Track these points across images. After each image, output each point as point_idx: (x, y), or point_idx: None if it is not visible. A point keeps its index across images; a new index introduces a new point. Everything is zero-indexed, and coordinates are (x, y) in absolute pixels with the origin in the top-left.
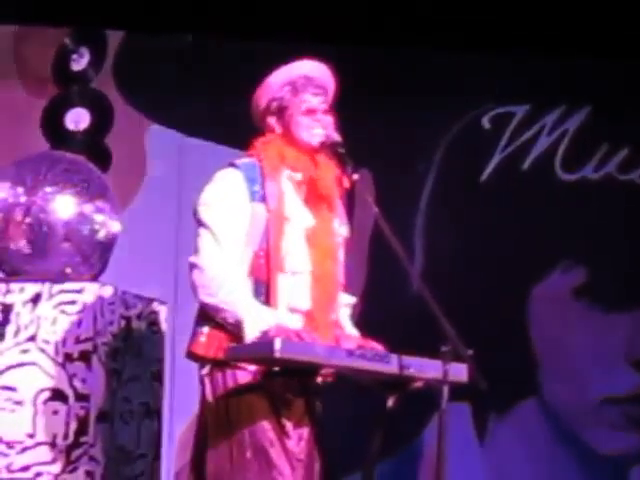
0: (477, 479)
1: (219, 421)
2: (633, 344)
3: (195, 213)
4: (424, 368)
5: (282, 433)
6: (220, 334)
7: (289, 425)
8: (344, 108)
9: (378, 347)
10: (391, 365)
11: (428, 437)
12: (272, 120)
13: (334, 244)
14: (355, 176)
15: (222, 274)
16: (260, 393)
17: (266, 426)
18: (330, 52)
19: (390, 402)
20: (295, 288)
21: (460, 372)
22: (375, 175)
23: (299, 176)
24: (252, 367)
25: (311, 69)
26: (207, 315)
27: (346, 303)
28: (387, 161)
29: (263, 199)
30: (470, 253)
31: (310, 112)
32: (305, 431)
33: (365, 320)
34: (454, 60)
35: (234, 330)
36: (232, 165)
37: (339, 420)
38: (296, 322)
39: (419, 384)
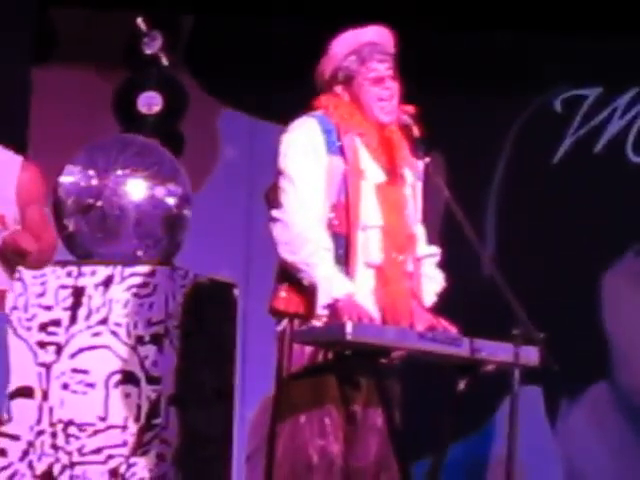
0: (548, 462)
1: (286, 401)
2: None
3: (277, 166)
4: (495, 351)
5: (346, 417)
6: (298, 291)
7: (357, 408)
8: (414, 91)
9: (450, 328)
10: (462, 348)
11: (500, 420)
12: (339, 89)
13: (403, 199)
14: (426, 159)
15: (305, 232)
16: (328, 373)
17: (330, 407)
18: (397, 36)
19: (461, 385)
20: (368, 243)
21: (531, 355)
22: (446, 158)
23: (369, 137)
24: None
25: (375, 35)
26: (287, 271)
27: (428, 254)
28: (458, 144)
29: (340, 152)
30: (542, 236)
31: (378, 80)
32: (376, 413)
33: (437, 303)
34: (525, 42)
35: (309, 291)
36: (307, 116)
37: (410, 402)
38: (370, 278)
39: (490, 367)
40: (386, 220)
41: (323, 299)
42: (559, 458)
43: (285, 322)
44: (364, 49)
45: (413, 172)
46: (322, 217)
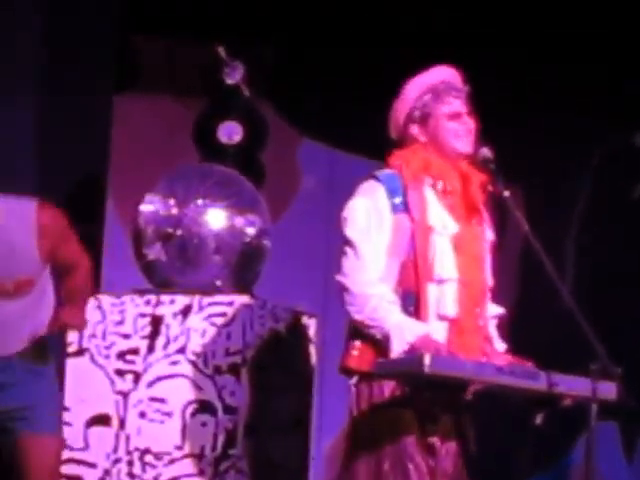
0: None
1: (363, 435)
2: None
3: (342, 231)
4: (573, 386)
5: (426, 449)
6: (372, 348)
7: (436, 440)
8: (492, 126)
9: (527, 365)
10: (540, 382)
11: (577, 455)
12: (415, 129)
13: (481, 250)
14: (506, 193)
15: (366, 289)
16: (406, 407)
17: (409, 441)
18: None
19: (538, 419)
20: (443, 296)
21: (609, 390)
22: (525, 191)
23: (442, 184)
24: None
25: (447, 74)
26: (358, 329)
27: (494, 314)
28: (538, 177)
29: (406, 209)
30: (621, 272)
31: (455, 116)
32: (453, 446)
33: (514, 337)
34: (604, 77)
35: (382, 344)
36: (373, 177)
37: (487, 436)
38: (442, 330)
39: (568, 402)
40: (463, 272)
41: (398, 346)
42: None
43: (356, 379)
44: (438, 86)
45: (487, 226)
46: (385, 277)
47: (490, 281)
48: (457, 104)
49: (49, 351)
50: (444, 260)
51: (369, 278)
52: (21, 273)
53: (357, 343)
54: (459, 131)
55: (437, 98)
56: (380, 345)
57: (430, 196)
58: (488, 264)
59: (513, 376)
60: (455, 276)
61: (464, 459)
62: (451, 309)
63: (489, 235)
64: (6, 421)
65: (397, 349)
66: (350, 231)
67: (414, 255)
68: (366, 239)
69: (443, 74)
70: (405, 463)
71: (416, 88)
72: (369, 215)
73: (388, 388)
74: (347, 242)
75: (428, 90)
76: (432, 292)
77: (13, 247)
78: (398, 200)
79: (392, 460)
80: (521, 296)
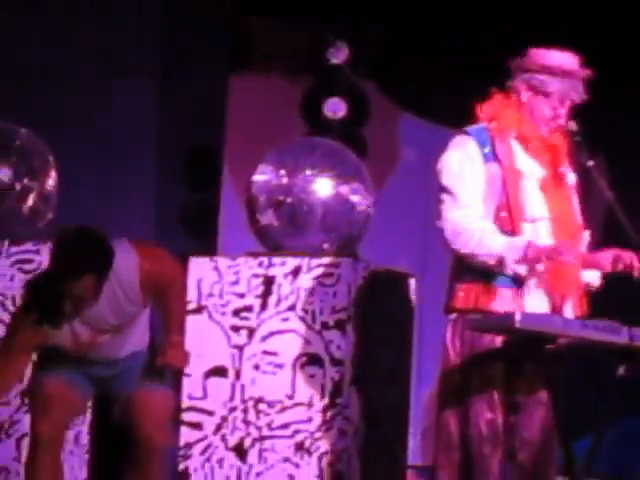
0: None
1: (453, 383)
2: None
3: (437, 181)
4: None
5: (509, 406)
6: (475, 286)
7: (521, 397)
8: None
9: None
10: (622, 336)
11: None
12: (524, 88)
13: (567, 189)
14: (590, 162)
15: (468, 226)
16: (496, 358)
17: (495, 397)
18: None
19: (621, 370)
20: (537, 233)
21: None
22: (608, 161)
23: (529, 136)
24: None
25: (576, 66)
26: (461, 271)
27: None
28: (620, 149)
29: (496, 159)
30: None
31: (561, 103)
32: (540, 393)
33: (600, 295)
34: None
35: (497, 268)
36: (464, 132)
37: (573, 386)
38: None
39: None
40: (553, 211)
41: (512, 256)
42: None
43: (455, 315)
44: (568, 83)
45: (569, 171)
46: (483, 215)
47: (579, 217)
48: (572, 96)
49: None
50: (534, 201)
51: (470, 216)
52: (127, 317)
53: (462, 285)
54: (555, 117)
55: (561, 83)
56: (484, 281)
57: (515, 145)
58: (575, 203)
59: (597, 330)
60: (546, 215)
61: (552, 404)
62: (547, 243)
63: (572, 178)
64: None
65: (510, 265)
66: (446, 179)
67: (506, 198)
68: (461, 184)
69: (574, 64)
70: (491, 397)
71: (555, 63)
72: (462, 164)
73: (477, 335)
74: (444, 189)
75: (561, 73)
76: (527, 231)
77: (120, 301)
78: (487, 150)
79: (477, 396)
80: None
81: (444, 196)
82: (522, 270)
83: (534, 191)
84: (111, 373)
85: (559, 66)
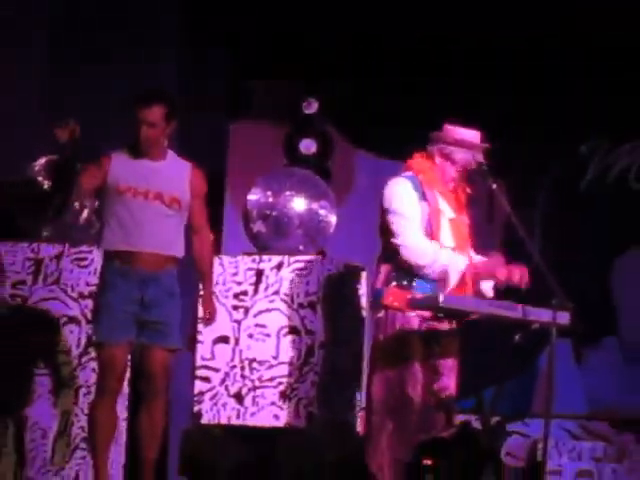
0: (575, 390)
1: (384, 354)
2: None
3: (385, 207)
4: (540, 315)
5: (429, 368)
6: (401, 291)
7: (438, 359)
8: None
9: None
10: (518, 312)
11: (542, 361)
12: (438, 155)
13: (465, 228)
14: (494, 185)
15: (422, 244)
16: (418, 335)
17: (414, 363)
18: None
19: (517, 337)
20: None
21: (564, 318)
22: (507, 184)
23: (442, 189)
24: (414, 313)
25: (480, 143)
26: (390, 278)
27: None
28: (515, 175)
29: (425, 200)
30: (574, 237)
31: (463, 168)
32: (452, 359)
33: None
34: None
35: (441, 277)
36: (401, 177)
37: (483, 348)
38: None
39: (536, 326)
40: (455, 240)
41: (454, 277)
42: (581, 385)
43: (383, 312)
44: (470, 154)
45: (467, 216)
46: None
47: (469, 245)
48: (471, 163)
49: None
50: (445, 233)
51: (422, 237)
52: (174, 193)
53: (392, 289)
54: (460, 178)
55: (464, 154)
56: (411, 289)
57: (436, 193)
58: (467, 237)
59: (499, 308)
60: (452, 243)
61: (459, 366)
62: None
63: (466, 220)
64: (145, 330)
65: (454, 278)
66: (396, 204)
67: (430, 229)
68: (410, 208)
69: (476, 139)
70: (407, 376)
71: (464, 138)
72: (410, 196)
73: (398, 321)
74: (394, 212)
75: (464, 145)
76: None
77: (172, 178)
78: (419, 192)
79: (399, 373)
80: (505, 255)
81: (395, 218)
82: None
83: (446, 226)
84: (152, 295)
85: (465, 140)
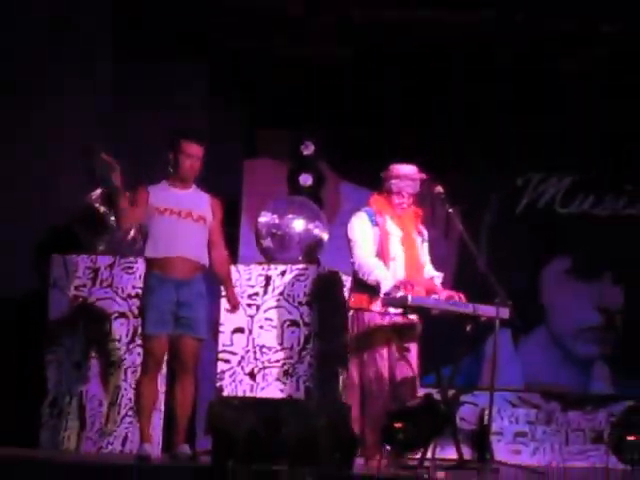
0: (514, 369)
1: (356, 345)
2: (595, 298)
3: (348, 235)
4: (486, 310)
5: (394, 353)
6: (363, 295)
7: (400, 345)
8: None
9: (462, 296)
10: (469, 308)
11: (488, 346)
12: (386, 189)
13: (414, 243)
14: (450, 210)
15: (370, 263)
16: (383, 328)
17: (382, 351)
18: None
19: (468, 328)
20: (396, 268)
21: (505, 313)
22: (460, 209)
23: (392, 214)
24: (379, 309)
25: (416, 174)
26: (355, 286)
27: (436, 276)
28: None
29: (377, 225)
30: (510, 251)
31: (403, 197)
32: (413, 346)
33: (455, 285)
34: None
35: (377, 288)
36: (361, 210)
37: (442, 336)
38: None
39: (483, 319)
40: (406, 255)
41: (385, 288)
42: (518, 365)
43: (352, 311)
44: (408, 184)
45: (421, 236)
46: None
47: (421, 260)
48: (409, 191)
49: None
50: (395, 249)
51: (369, 257)
52: (200, 212)
53: (355, 294)
54: (403, 204)
55: (404, 184)
56: (368, 293)
57: (387, 218)
58: (419, 251)
59: (454, 305)
60: (402, 257)
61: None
62: (400, 272)
63: (419, 238)
64: (179, 324)
65: (385, 290)
66: (351, 233)
67: (381, 247)
68: (362, 235)
69: (413, 172)
70: (378, 359)
71: (399, 172)
72: (363, 223)
73: (366, 317)
74: (350, 240)
75: (403, 178)
76: (392, 266)
77: (198, 202)
78: (372, 220)
79: (371, 357)
80: (459, 263)
81: (354, 245)
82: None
83: (396, 243)
84: (185, 297)
85: (405, 174)
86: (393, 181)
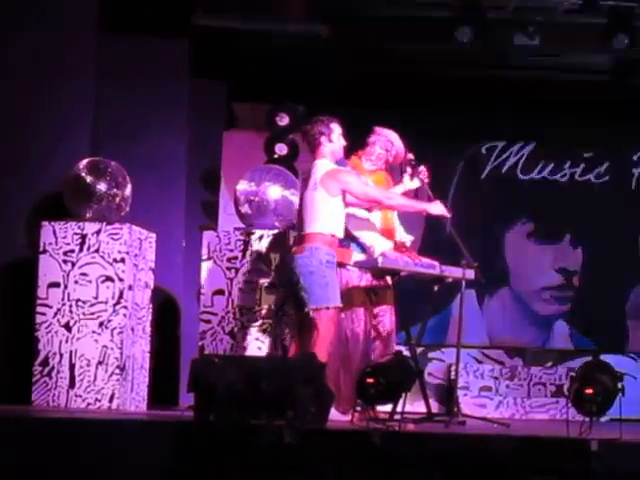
0: (479, 327)
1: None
2: (555, 260)
3: None
4: (453, 272)
5: (370, 313)
6: (347, 250)
7: (376, 305)
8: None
9: (431, 260)
10: (436, 270)
11: (454, 306)
12: (366, 148)
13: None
14: (421, 168)
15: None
16: (359, 289)
17: (358, 311)
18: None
19: (435, 288)
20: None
21: (471, 274)
22: (429, 169)
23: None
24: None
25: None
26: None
27: (408, 239)
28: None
29: None
30: (477, 213)
31: (380, 160)
32: (387, 306)
33: (423, 247)
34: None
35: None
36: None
37: (410, 296)
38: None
39: (450, 280)
40: (381, 216)
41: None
42: (483, 323)
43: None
44: (390, 150)
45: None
46: None
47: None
48: (387, 156)
49: None
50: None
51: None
52: None
53: (340, 247)
54: (380, 165)
55: (381, 148)
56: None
57: (366, 177)
58: (392, 214)
59: (423, 267)
60: (379, 217)
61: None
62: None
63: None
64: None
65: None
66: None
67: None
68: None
69: (392, 135)
70: (354, 319)
71: (382, 132)
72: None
73: (344, 277)
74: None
75: (384, 135)
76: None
77: None
78: None
79: (348, 316)
80: (426, 228)
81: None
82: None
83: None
84: None
85: (386, 134)
86: (375, 145)
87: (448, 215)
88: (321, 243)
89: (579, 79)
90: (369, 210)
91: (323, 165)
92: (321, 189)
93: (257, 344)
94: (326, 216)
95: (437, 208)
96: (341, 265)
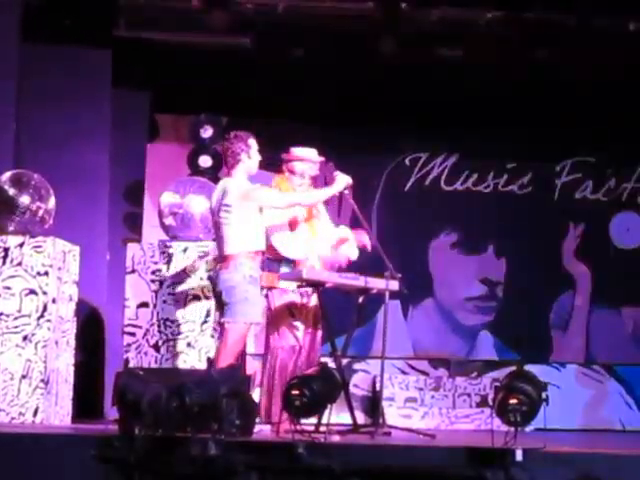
0: (404, 338)
1: (271, 321)
2: (479, 270)
3: None
4: (377, 283)
5: (298, 325)
6: (272, 275)
7: (304, 320)
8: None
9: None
10: (361, 282)
11: (379, 317)
12: (287, 169)
13: (318, 221)
14: (346, 191)
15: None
16: (288, 307)
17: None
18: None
19: (360, 299)
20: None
21: (394, 285)
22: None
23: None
24: (285, 287)
25: (314, 158)
26: (263, 266)
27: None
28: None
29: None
30: (399, 224)
31: (303, 177)
32: (313, 324)
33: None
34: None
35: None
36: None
37: (335, 308)
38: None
39: (374, 291)
40: (311, 232)
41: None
42: (407, 334)
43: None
44: (307, 166)
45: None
46: None
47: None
48: (309, 173)
49: None
50: (302, 228)
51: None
52: None
53: (264, 273)
54: (304, 183)
55: (302, 166)
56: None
57: None
58: (324, 227)
59: (347, 279)
60: (309, 234)
61: (321, 323)
62: (309, 250)
63: (320, 215)
64: None
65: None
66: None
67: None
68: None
69: (312, 155)
70: (284, 335)
71: (299, 155)
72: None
73: (276, 299)
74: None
75: (303, 160)
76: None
77: None
78: None
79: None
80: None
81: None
82: None
83: (300, 215)
84: None
85: (306, 157)
86: (295, 163)
87: (350, 182)
88: (244, 258)
89: (501, 92)
90: (291, 229)
91: (234, 186)
92: (237, 212)
93: (182, 357)
94: (246, 235)
95: (341, 180)
96: (270, 289)
